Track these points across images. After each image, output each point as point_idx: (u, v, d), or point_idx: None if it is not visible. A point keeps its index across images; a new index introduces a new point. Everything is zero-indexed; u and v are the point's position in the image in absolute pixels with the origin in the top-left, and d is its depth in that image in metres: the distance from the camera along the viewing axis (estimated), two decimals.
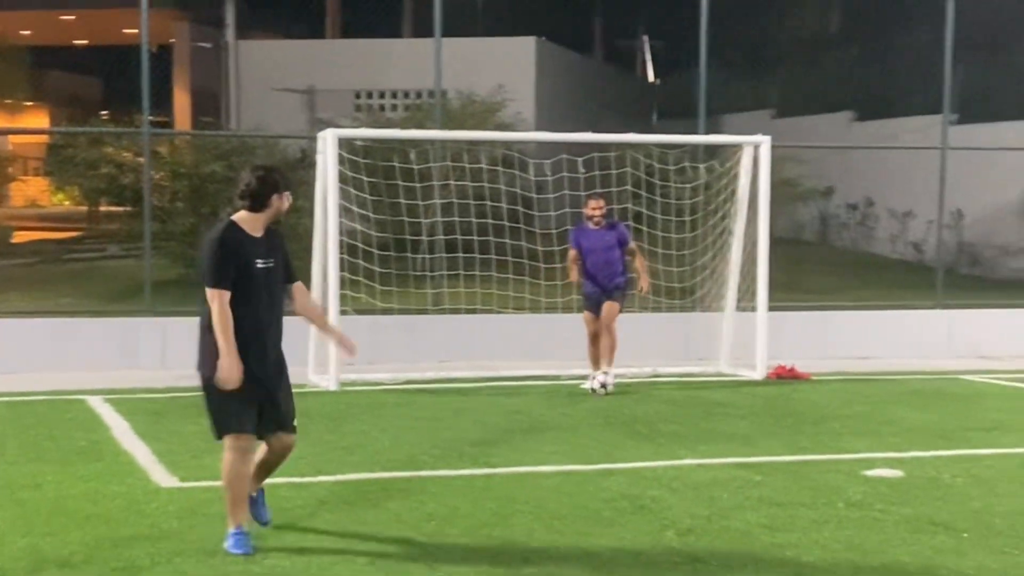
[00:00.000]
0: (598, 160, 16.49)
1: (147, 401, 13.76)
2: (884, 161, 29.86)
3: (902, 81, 33.13)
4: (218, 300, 7.53)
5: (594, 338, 14.71)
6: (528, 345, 17.20)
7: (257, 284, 7.68)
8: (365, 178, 15.72)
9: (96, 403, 13.50)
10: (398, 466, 10.25)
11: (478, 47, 28.03)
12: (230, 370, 7.54)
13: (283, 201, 7.79)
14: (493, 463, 10.39)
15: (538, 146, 22.00)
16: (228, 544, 7.70)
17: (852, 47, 36.60)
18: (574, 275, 14.77)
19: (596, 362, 14.73)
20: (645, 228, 16.84)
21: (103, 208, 28.85)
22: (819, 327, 18.60)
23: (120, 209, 24.88)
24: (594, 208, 14.45)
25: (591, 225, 14.51)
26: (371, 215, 16.26)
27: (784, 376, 16.00)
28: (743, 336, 16.14)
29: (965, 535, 8.11)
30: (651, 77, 41.32)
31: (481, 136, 18.16)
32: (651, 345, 16.57)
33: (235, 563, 7.47)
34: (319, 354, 15.27)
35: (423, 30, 38.96)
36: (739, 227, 16.35)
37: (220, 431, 7.80)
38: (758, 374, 15.84)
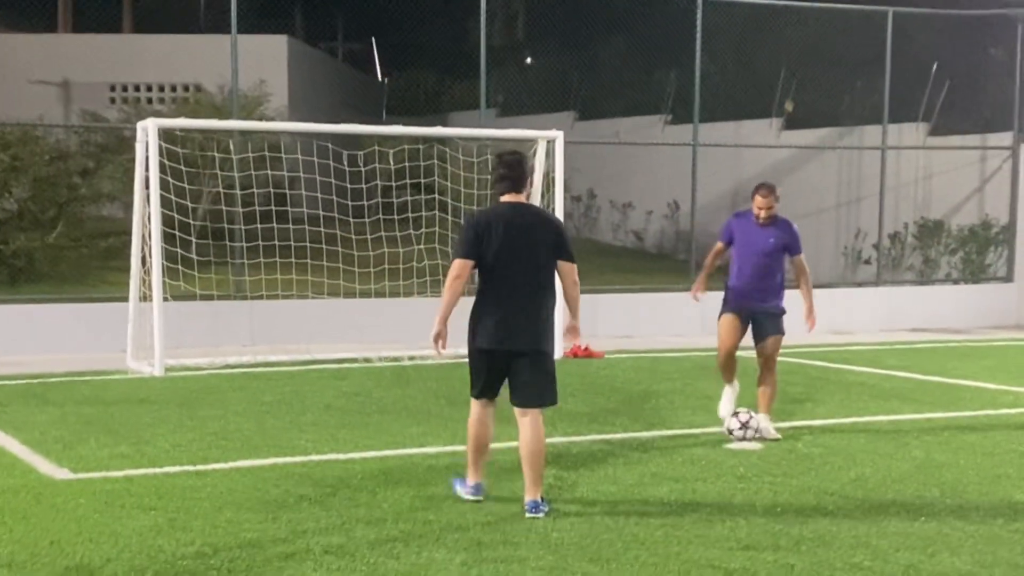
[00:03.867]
0: (408, 152, 15.94)
1: None
2: (604, 157, 30.10)
3: (614, 85, 33.61)
4: None
5: (731, 355, 10.58)
6: (329, 329, 16.58)
7: None
8: (184, 167, 14.74)
9: None
10: (283, 451, 9.48)
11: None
12: None
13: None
14: (373, 446, 9.75)
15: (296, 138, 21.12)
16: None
17: (566, 53, 36.85)
18: (702, 283, 10.88)
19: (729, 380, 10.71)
20: (450, 217, 16.38)
21: None
22: (589, 309, 18.40)
23: None
24: (761, 207, 10.33)
25: (756, 221, 10.46)
26: (188, 203, 15.22)
27: (580, 355, 15.81)
28: None
29: (862, 504, 7.98)
30: (379, 76, 40.74)
31: (294, 128, 17.14)
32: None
33: (188, 558, 6.68)
34: (138, 340, 14.28)
35: (146, 26, 37.31)
36: None
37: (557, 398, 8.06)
38: (557, 354, 15.55)
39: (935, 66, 24.02)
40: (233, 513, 7.55)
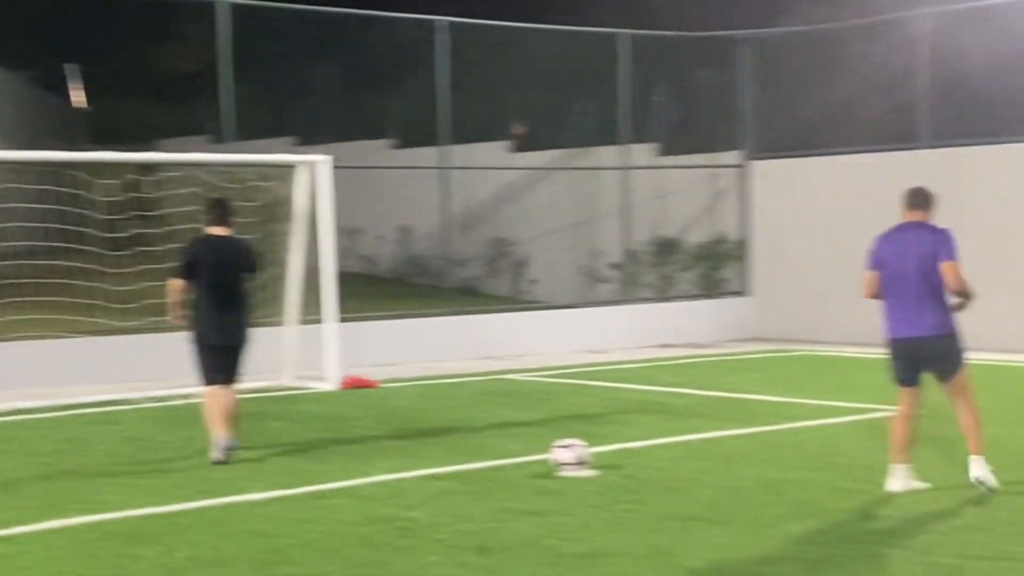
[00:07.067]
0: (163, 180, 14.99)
1: None
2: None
3: (329, 110, 32.93)
4: None
5: (909, 416, 8.62)
6: (66, 369, 15.41)
7: None
8: None
9: None
10: (92, 508, 8.52)
11: None
12: None
13: None
14: (189, 496, 8.89)
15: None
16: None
17: (274, 78, 35.97)
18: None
19: (907, 449, 8.62)
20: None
21: None
22: (352, 338, 17.73)
23: None
24: None
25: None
26: None
27: (357, 386, 15.20)
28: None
29: (731, 523, 7.74)
30: (84, 103, 38.76)
31: (38, 156, 15.57)
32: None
33: None
34: None
35: None
36: (297, 243, 15.48)
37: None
38: (332, 385, 14.94)
39: (661, 87, 24.43)
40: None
